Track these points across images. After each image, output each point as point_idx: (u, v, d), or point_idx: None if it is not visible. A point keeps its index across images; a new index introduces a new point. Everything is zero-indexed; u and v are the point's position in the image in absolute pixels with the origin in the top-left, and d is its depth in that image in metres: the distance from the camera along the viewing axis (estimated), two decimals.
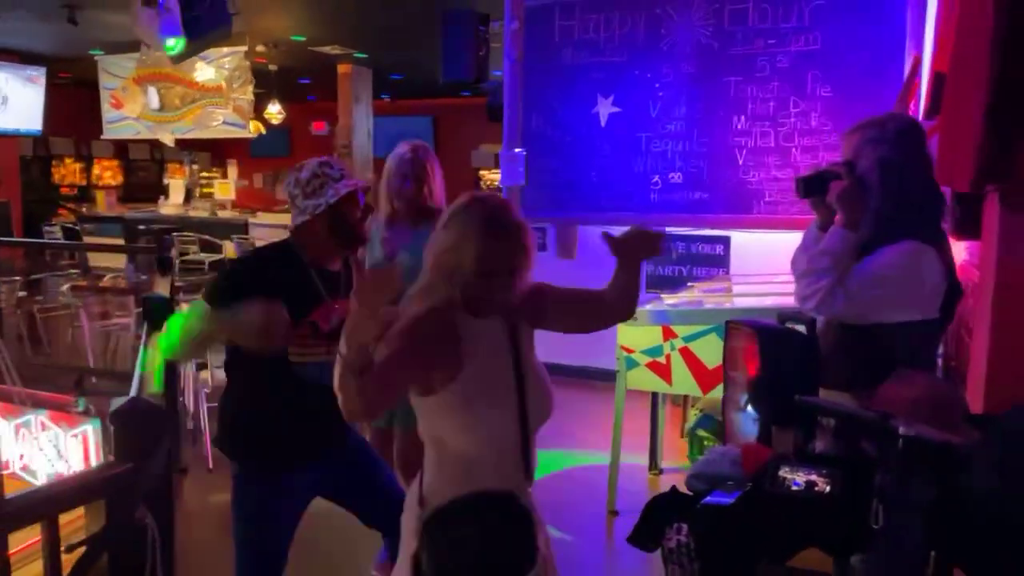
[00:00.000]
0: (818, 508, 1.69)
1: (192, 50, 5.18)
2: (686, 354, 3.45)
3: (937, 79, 3.39)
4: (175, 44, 4.83)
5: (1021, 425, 1.93)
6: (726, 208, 5.63)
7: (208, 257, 8.35)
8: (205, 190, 13.38)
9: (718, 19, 5.55)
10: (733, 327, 2.31)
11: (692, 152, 5.70)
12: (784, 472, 1.77)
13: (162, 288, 3.27)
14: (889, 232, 2.00)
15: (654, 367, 3.53)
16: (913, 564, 1.57)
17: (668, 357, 3.50)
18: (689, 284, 4.71)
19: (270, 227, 8.92)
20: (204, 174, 14.25)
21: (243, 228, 8.97)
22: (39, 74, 9.86)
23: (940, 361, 3.02)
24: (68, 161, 13.24)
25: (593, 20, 5.90)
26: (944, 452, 1.66)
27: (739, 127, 5.52)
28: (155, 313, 2.58)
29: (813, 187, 2.12)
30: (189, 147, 14.15)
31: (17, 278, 6.41)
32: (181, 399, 4.89)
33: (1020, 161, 1.73)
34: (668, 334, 3.50)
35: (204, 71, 8.53)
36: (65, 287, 5.94)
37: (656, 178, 5.83)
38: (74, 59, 9.78)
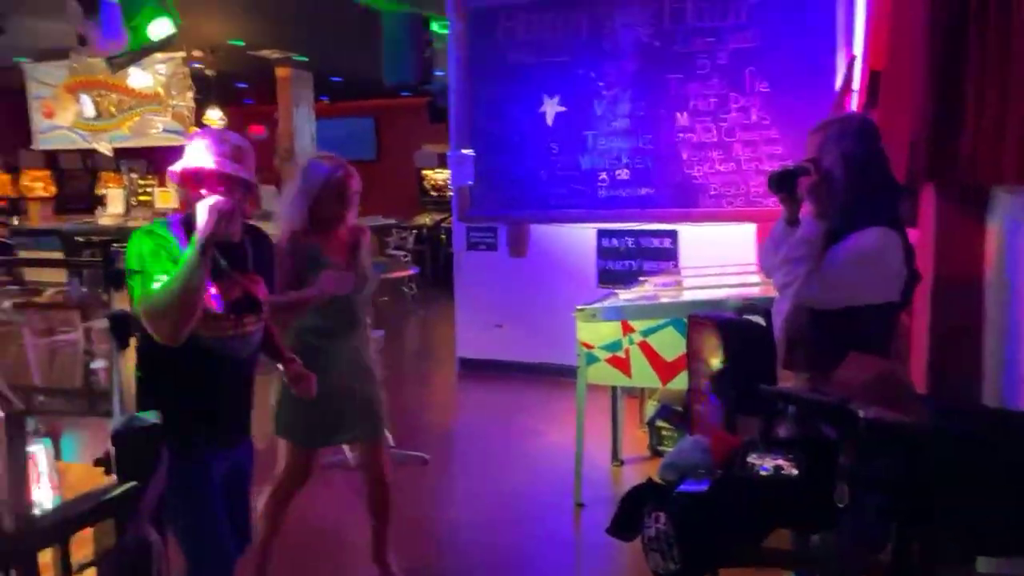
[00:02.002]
0: (786, 490, 1.80)
1: (133, 58, 5.08)
2: (645, 347, 3.56)
3: (872, 76, 3.57)
4: (118, 52, 4.74)
5: (970, 408, 2.07)
6: (673, 202, 5.80)
7: None
8: (143, 199, 13.04)
9: (658, 19, 5.70)
10: (695, 321, 2.41)
11: (638, 149, 5.84)
12: (752, 458, 1.87)
13: (121, 303, 3.21)
14: (855, 221, 2.14)
15: (614, 361, 3.63)
16: (876, 538, 1.69)
17: (627, 351, 3.60)
18: (641, 279, 4.83)
19: None
20: (140, 182, 13.86)
21: None
22: None
23: None
24: None
25: (536, 21, 5.99)
26: (899, 431, 1.79)
27: (682, 123, 5.68)
28: (119, 330, 2.53)
29: (783, 183, 2.25)
30: (125, 156, 13.77)
31: None
32: None
33: (958, 158, 1.87)
34: (626, 329, 3.60)
35: (138, 77, 8.32)
36: (7, 304, 5.76)
37: (603, 175, 5.96)
38: None
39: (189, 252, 1.88)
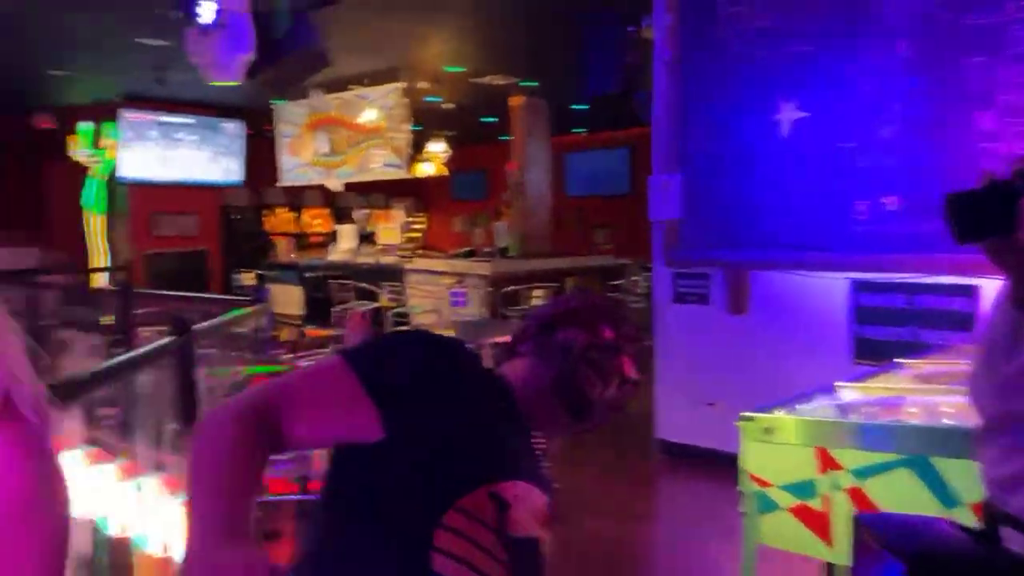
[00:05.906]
0: None
1: (280, 78, 4.60)
2: (858, 498, 2.01)
3: None
4: (250, 70, 4.24)
5: None
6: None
7: (364, 306, 7.87)
8: (412, 235, 13.41)
9: None
10: (865, 540, 0.96)
11: (915, 166, 4.05)
12: None
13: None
14: None
15: (802, 514, 2.12)
16: None
17: (827, 500, 2.07)
18: (897, 360, 3.11)
19: (423, 272, 8.21)
20: (409, 219, 14.35)
21: (398, 275, 8.38)
22: (237, 126, 10.22)
23: None
24: (279, 211, 13.83)
25: (769, 1, 4.49)
26: None
27: (985, 127, 3.80)
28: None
29: (984, 219, 0.99)
30: (400, 193, 14.27)
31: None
32: None
33: None
34: (827, 462, 2.08)
35: (368, 113, 8.17)
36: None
37: (862, 204, 4.24)
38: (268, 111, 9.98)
39: None
